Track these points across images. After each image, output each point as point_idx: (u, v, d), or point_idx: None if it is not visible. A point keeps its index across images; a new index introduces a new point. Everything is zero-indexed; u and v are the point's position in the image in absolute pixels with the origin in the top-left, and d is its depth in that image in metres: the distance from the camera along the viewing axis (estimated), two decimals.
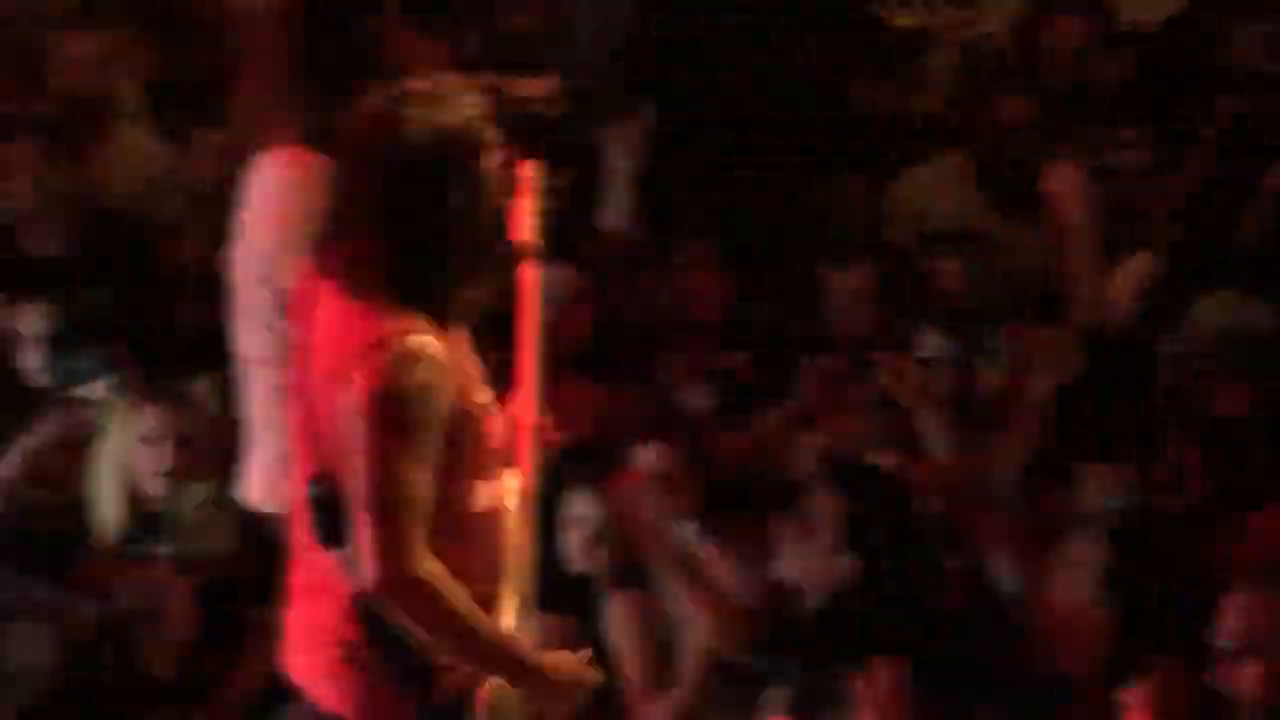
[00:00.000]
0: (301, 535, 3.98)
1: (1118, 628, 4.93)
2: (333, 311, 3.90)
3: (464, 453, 3.85)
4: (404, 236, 3.82)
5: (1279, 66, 7.22)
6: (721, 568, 5.13)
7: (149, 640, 5.47)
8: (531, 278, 4.20)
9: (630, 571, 5.43)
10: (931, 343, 5.80)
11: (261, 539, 5.45)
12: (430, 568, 3.76)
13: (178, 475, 5.55)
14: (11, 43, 7.11)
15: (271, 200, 4.80)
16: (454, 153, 3.83)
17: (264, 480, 4.75)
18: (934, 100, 7.62)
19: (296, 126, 4.78)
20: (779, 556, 5.06)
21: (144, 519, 5.60)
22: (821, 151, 6.67)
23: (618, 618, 5.34)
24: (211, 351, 6.08)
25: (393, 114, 3.84)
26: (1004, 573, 4.95)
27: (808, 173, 6.59)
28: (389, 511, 3.75)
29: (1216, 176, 6.87)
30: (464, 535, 3.92)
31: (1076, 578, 4.97)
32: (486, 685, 3.92)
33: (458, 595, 3.80)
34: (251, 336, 4.64)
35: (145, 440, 5.55)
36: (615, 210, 6.26)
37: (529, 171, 4.27)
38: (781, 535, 5.07)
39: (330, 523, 3.85)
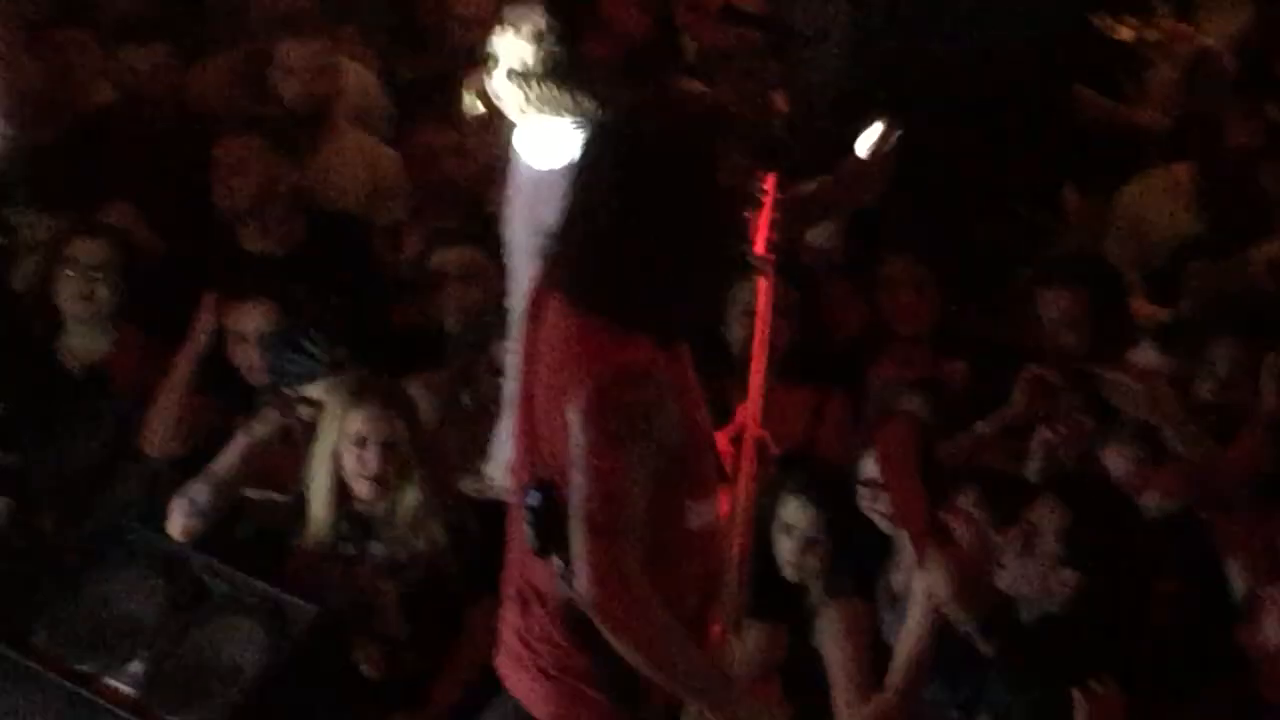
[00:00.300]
0: (517, 540, 4.05)
1: None
2: (560, 320, 3.91)
3: (682, 470, 3.88)
4: (636, 248, 3.81)
5: None
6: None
7: (358, 639, 5.51)
8: (766, 292, 4.23)
9: (843, 579, 5.42)
10: (1147, 356, 5.72)
11: (470, 542, 5.59)
12: (643, 588, 3.80)
13: (384, 478, 5.56)
14: (241, 42, 7.25)
15: (529, 179, 4.84)
16: (697, 168, 3.80)
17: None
18: (1155, 114, 7.59)
19: None
20: (1000, 566, 4.99)
21: (354, 519, 5.62)
22: (1042, 163, 6.64)
23: (830, 625, 5.33)
24: (429, 353, 6.23)
25: (637, 123, 3.86)
26: (1236, 584, 4.89)
27: (1028, 184, 6.56)
28: (607, 530, 3.79)
29: None
30: (680, 551, 3.96)
31: None
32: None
33: (666, 618, 3.83)
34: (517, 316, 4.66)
35: (354, 442, 5.56)
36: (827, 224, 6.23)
37: (771, 185, 4.26)
38: (1003, 545, 5.01)
39: (544, 530, 3.90)
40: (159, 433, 6.10)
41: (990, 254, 6.46)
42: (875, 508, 5.37)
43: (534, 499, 3.93)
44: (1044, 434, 5.49)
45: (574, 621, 3.93)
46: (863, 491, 5.39)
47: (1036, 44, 6.64)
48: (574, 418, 3.78)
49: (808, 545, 5.45)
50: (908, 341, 6.22)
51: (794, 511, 5.42)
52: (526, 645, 4.12)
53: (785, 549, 5.44)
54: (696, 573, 4.04)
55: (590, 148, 3.93)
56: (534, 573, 4.05)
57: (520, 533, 4.03)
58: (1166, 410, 5.25)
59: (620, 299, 3.82)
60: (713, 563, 4.08)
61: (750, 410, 4.19)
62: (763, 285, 4.28)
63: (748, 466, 4.20)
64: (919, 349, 6.20)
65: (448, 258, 6.42)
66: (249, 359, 6.09)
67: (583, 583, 3.80)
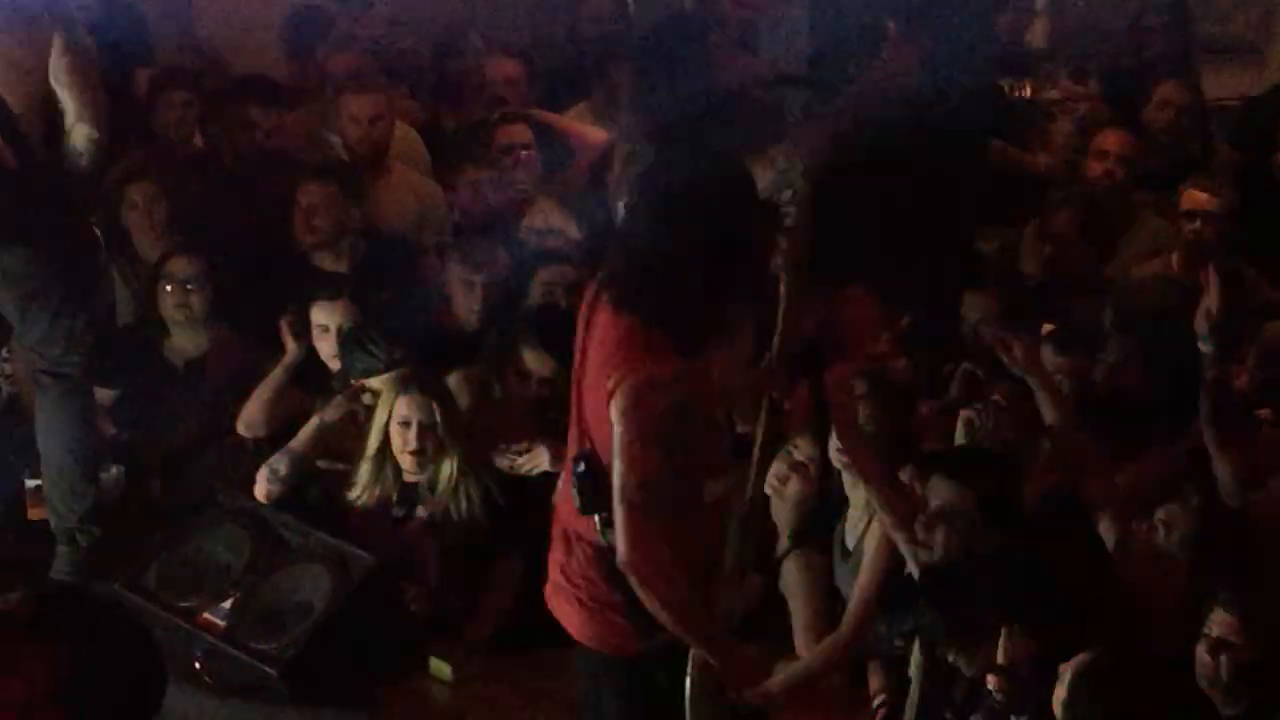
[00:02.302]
0: (565, 494, 4.16)
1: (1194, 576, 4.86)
2: (607, 320, 4.01)
3: (700, 456, 4.01)
4: (676, 267, 3.92)
5: None
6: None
7: (407, 583, 5.56)
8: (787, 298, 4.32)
9: (806, 534, 5.42)
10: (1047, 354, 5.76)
11: (498, 507, 5.60)
12: (665, 554, 3.94)
13: (422, 453, 5.59)
14: (310, 102, 7.31)
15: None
16: (736, 215, 3.94)
17: None
18: (1053, 160, 7.57)
19: None
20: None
21: (403, 487, 5.65)
22: (966, 202, 6.58)
23: (794, 573, 5.35)
24: (467, 350, 6.21)
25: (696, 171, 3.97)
26: (1106, 533, 4.87)
27: (955, 218, 6.49)
28: (641, 508, 3.93)
29: None
30: (696, 520, 4.09)
31: (1166, 538, 4.94)
32: None
33: (680, 577, 3.99)
34: None
35: (400, 423, 5.60)
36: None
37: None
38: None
39: (588, 492, 4.05)
40: (253, 417, 6.10)
41: (930, 272, 6.37)
42: (842, 463, 5.27)
43: (580, 468, 4.06)
44: (966, 414, 5.51)
45: (607, 564, 4.06)
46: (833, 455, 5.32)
47: (958, 107, 6.63)
48: (615, 416, 3.89)
49: (799, 467, 5.40)
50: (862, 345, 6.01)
51: (799, 439, 5.38)
52: (568, 579, 4.25)
53: (776, 471, 5.32)
54: (707, 538, 4.17)
55: (650, 183, 4.07)
56: (577, 524, 4.16)
57: (569, 490, 4.14)
58: (1039, 370, 5.14)
59: (656, 307, 3.93)
60: (720, 530, 4.19)
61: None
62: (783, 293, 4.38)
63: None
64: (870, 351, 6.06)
65: (551, 274, 6.31)
66: (329, 348, 6.07)
67: (621, 548, 3.94)
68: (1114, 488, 5.00)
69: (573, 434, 4.17)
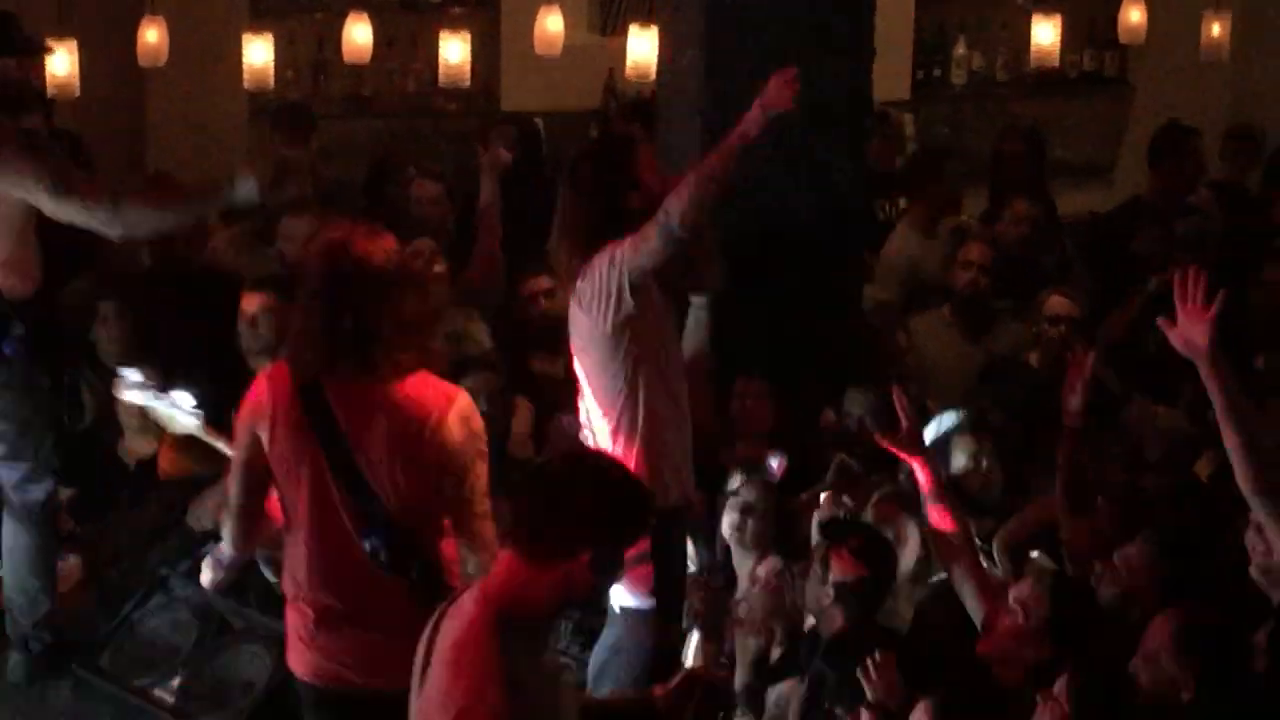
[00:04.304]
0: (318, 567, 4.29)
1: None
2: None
3: None
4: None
5: None
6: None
7: None
8: None
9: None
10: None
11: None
12: None
13: None
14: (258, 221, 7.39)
15: None
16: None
17: None
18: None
19: None
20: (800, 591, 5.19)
21: None
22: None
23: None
24: None
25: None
26: (969, 605, 4.82)
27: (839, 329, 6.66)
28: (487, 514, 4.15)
29: None
30: None
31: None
32: None
33: None
34: None
35: None
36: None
37: None
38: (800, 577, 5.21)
39: (394, 553, 4.11)
40: (203, 513, 5.97)
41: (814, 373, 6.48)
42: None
43: (377, 541, 4.11)
44: (827, 505, 5.53)
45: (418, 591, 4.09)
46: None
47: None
48: (444, 438, 4.07)
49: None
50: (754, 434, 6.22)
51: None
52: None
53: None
54: None
55: None
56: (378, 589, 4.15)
57: (322, 564, 4.23)
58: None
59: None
60: None
61: None
62: None
63: None
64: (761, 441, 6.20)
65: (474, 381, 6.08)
66: None
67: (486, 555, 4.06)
68: (979, 570, 4.93)
69: (311, 512, 4.24)
